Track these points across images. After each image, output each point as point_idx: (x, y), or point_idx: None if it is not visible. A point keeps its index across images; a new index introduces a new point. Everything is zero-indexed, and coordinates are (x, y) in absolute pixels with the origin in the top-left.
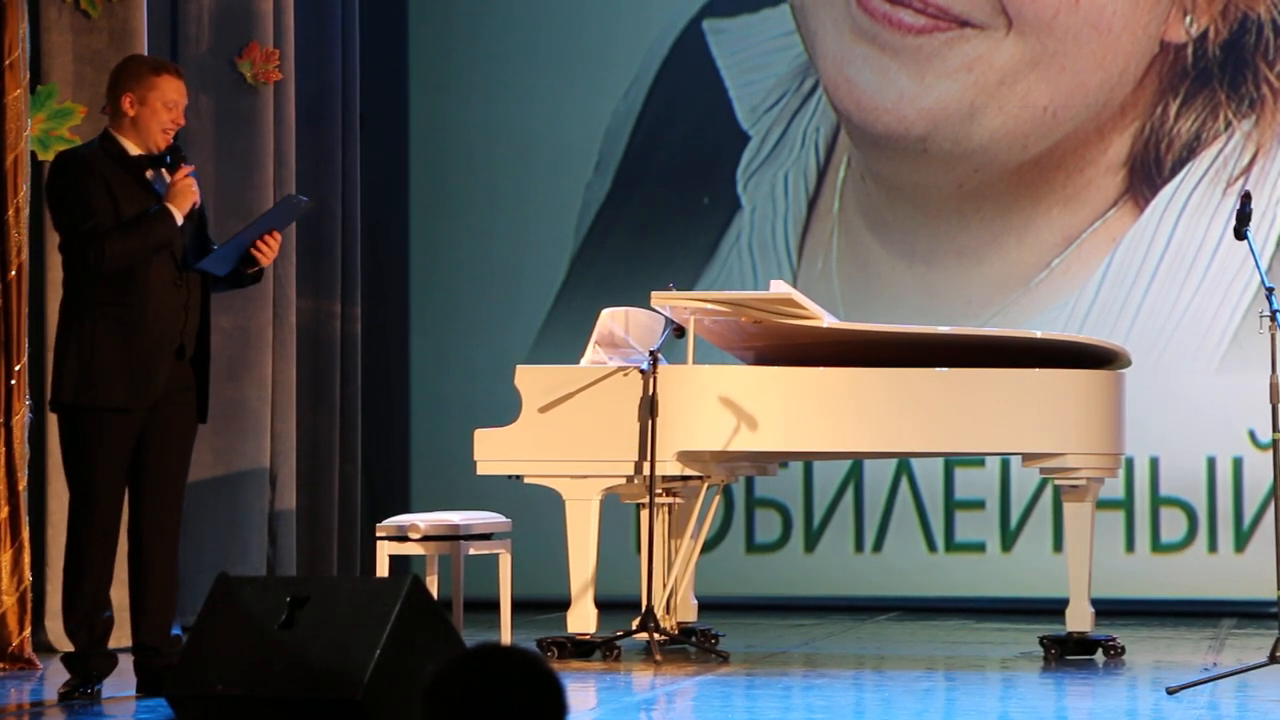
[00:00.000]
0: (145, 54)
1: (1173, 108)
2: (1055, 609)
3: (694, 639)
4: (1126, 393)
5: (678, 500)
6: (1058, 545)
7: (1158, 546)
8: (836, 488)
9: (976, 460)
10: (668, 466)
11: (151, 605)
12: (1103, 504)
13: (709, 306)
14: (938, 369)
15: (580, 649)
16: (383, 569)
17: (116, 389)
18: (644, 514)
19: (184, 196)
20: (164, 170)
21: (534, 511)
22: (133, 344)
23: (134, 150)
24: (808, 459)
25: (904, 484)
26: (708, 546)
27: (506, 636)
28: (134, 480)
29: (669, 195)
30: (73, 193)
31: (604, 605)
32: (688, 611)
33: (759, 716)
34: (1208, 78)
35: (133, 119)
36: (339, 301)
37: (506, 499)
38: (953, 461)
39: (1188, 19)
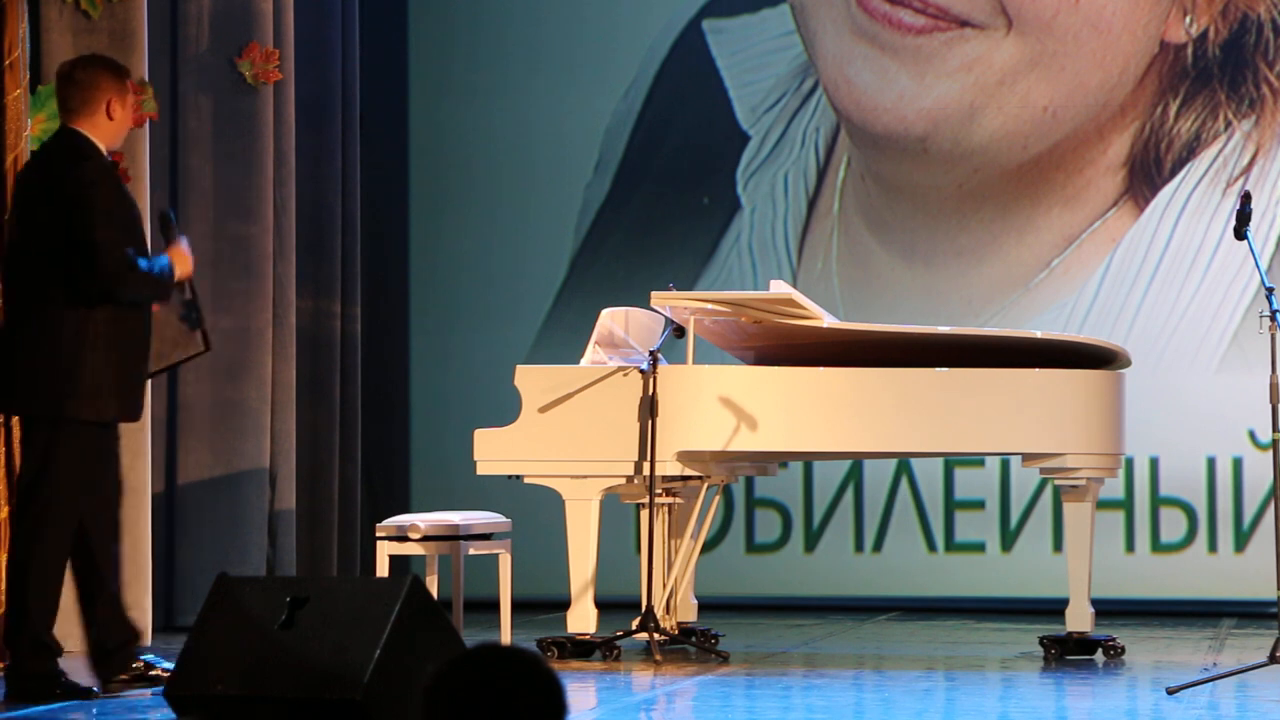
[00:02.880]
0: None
1: (1172, 108)
2: (1055, 609)
3: (694, 639)
4: (1126, 393)
5: (678, 500)
6: (1058, 545)
7: (1158, 547)
8: (836, 488)
9: (976, 460)
10: (668, 466)
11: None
12: (1103, 504)
13: (709, 306)
14: (938, 369)
15: (580, 649)
16: (383, 569)
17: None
18: (644, 514)
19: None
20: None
21: (534, 512)
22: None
23: None
24: (808, 459)
25: (904, 484)
26: (707, 546)
27: (506, 636)
28: None
29: (669, 195)
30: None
31: (604, 605)
32: (688, 611)
33: (759, 717)
34: (1208, 78)
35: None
36: (339, 301)
37: (506, 499)
38: (953, 461)
39: (1188, 19)
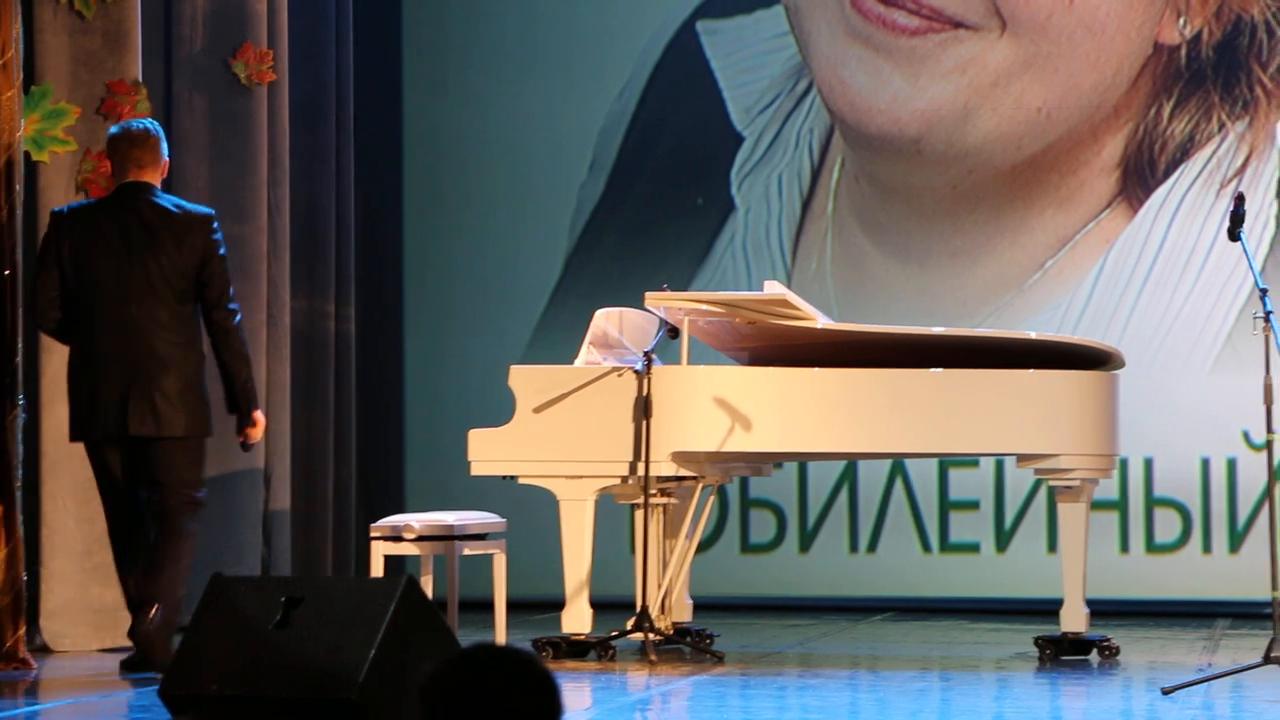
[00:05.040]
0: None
1: (1166, 109)
2: (1050, 609)
3: (689, 639)
4: (1121, 394)
5: (672, 501)
6: (1052, 546)
7: (1152, 547)
8: (831, 488)
9: (971, 461)
10: (662, 467)
11: None
12: (1097, 505)
13: (703, 307)
14: (932, 370)
15: (575, 649)
16: (377, 569)
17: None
18: (639, 514)
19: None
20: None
21: (529, 512)
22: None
23: None
24: (802, 459)
25: (898, 484)
26: (702, 547)
27: (501, 637)
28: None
29: (663, 196)
30: None
31: (599, 605)
32: (682, 612)
33: (754, 717)
34: (1201, 79)
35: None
36: (333, 302)
37: (501, 499)
38: (947, 462)
39: (1181, 20)
